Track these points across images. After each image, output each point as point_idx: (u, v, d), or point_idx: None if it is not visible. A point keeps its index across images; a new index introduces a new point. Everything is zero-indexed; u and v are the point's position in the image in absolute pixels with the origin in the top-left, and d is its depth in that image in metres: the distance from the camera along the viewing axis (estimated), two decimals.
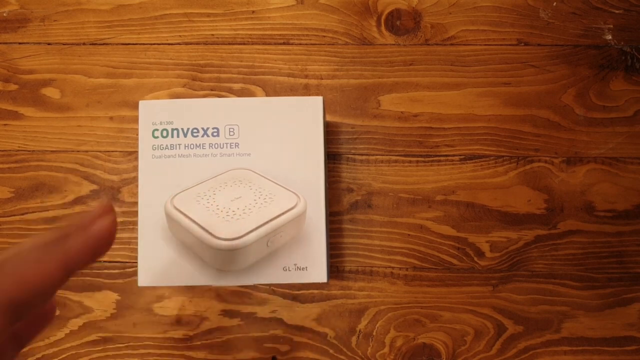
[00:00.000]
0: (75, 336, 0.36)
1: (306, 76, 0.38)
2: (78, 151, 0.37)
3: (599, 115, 0.37)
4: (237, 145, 0.31)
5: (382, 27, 0.38)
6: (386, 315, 0.36)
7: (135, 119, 0.38)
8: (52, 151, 0.37)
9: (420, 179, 0.37)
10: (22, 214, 0.37)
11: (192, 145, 0.31)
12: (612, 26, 0.38)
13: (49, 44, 0.38)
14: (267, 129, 0.31)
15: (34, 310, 0.16)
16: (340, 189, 0.37)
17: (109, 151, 0.37)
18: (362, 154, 0.37)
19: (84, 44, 0.38)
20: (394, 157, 0.37)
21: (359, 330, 0.36)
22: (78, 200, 0.37)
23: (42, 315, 0.20)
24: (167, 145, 0.31)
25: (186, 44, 0.38)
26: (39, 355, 0.36)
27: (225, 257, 0.29)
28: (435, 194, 0.37)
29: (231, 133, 0.31)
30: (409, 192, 0.37)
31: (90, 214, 0.18)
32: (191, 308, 0.36)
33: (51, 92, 0.38)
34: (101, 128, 0.38)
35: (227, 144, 0.31)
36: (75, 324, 0.36)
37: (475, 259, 0.36)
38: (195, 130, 0.31)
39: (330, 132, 0.37)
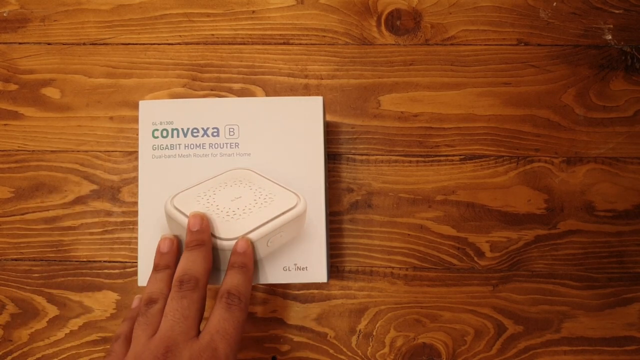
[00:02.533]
0: (75, 336, 0.36)
1: (306, 76, 0.38)
2: (78, 151, 0.37)
3: (599, 115, 0.37)
4: (237, 145, 0.31)
5: (382, 27, 0.38)
6: (386, 315, 0.36)
7: (135, 119, 0.38)
8: (52, 151, 0.37)
9: (420, 179, 0.37)
10: (22, 214, 0.37)
11: (192, 145, 0.31)
12: (612, 26, 0.38)
13: (49, 44, 0.38)
14: (267, 129, 0.31)
15: None
16: (340, 189, 0.37)
17: (109, 151, 0.37)
18: (362, 154, 0.37)
19: (84, 44, 0.38)
20: (394, 157, 0.37)
21: (359, 330, 0.36)
22: (78, 200, 0.37)
23: None
24: (167, 145, 0.31)
25: (186, 44, 0.38)
26: (39, 355, 0.36)
27: (225, 257, 0.29)
28: (435, 194, 0.37)
29: (231, 133, 0.31)
30: (409, 192, 0.37)
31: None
32: None
33: (51, 92, 0.38)
34: (101, 128, 0.38)
35: (227, 144, 0.31)
36: (75, 324, 0.36)
37: (475, 258, 0.36)
38: (195, 130, 0.31)
39: (330, 132, 0.37)
